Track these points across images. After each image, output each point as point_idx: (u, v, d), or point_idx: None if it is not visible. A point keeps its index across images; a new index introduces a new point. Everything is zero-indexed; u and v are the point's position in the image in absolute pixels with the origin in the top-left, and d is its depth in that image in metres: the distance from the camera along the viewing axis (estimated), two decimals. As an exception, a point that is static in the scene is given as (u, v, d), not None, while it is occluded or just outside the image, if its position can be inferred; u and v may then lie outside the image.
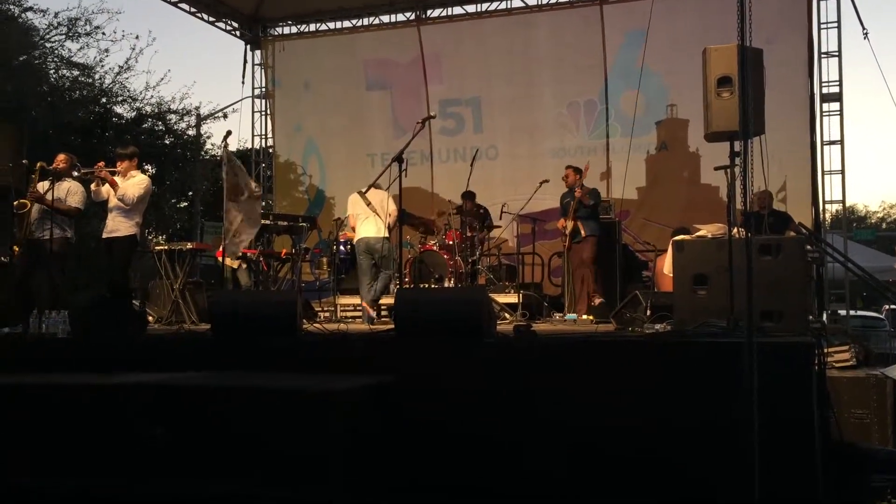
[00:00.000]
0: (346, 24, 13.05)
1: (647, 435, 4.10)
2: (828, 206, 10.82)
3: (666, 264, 7.22)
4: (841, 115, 10.48)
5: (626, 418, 4.14)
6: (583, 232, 8.38)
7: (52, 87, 16.60)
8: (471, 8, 12.34)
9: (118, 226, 7.12)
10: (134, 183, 7.19)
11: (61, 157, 7.20)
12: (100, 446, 4.17)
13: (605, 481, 4.11)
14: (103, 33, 16.82)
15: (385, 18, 12.83)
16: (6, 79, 13.97)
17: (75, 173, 7.21)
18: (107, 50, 18.59)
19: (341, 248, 9.59)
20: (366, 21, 12.93)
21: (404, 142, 7.12)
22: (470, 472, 4.24)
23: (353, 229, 8.41)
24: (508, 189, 10.93)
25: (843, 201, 10.64)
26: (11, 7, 15.87)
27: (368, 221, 8.14)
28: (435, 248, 9.13)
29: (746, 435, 3.55)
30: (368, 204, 8.09)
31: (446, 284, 8.69)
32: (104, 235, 7.24)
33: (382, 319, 8.08)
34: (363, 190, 8.14)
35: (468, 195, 9.59)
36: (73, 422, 4.25)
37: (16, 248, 7.11)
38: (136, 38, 18.16)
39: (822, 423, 4.34)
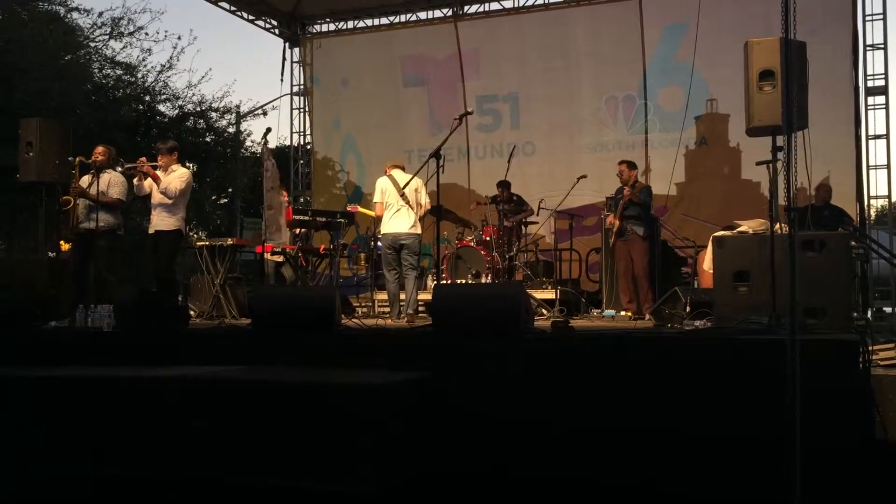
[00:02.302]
0: (384, 20, 13.12)
1: (686, 431, 4.07)
2: (873, 202, 10.63)
3: (706, 260, 7.14)
4: (887, 108, 10.32)
5: (662, 414, 4.11)
6: (627, 233, 8.12)
7: (97, 86, 16.91)
8: (508, 3, 12.31)
9: (163, 221, 7.24)
10: (176, 176, 7.31)
11: (100, 149, 7.33)
12: (141, 438, 4.25)
13: (640, 475, 4.09)
14: (146, 34, 17.08)
15: (422, 15, 12.86)
16: (52, 78, 14.26)
17: (119, 169, 7.34)
18: (149, 50, 18.85)
19: (379, 243, 9.66)
20: (403, 18, 12.98)
21: (441, 138, 7.13)
22: (509, 466, 4.25)
23: (378, 217, 7.91)
24: (546, 185, 10.90)
25: (889, 196, 10.44)
26: (58, 7, 16.21)
27: (401, 214, 7.62)
28: (472, 243, 9.14)
29: (789, 433, 3.50)
30: (402, 195, 7.60)
31: (483, 280, 8.69)
32: (150, 231, 7.37)
33: (420, 315, 8.11)
34: (402, 185, 7.59)
35: (503, 184, 9.59)
36: (116, 413, 4.34)
37: (62, 244, 7.26)
38: (179, 38, 18.35)
39: (867, 422, 4.27)
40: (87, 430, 4.33)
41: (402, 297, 7.76)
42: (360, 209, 9.78)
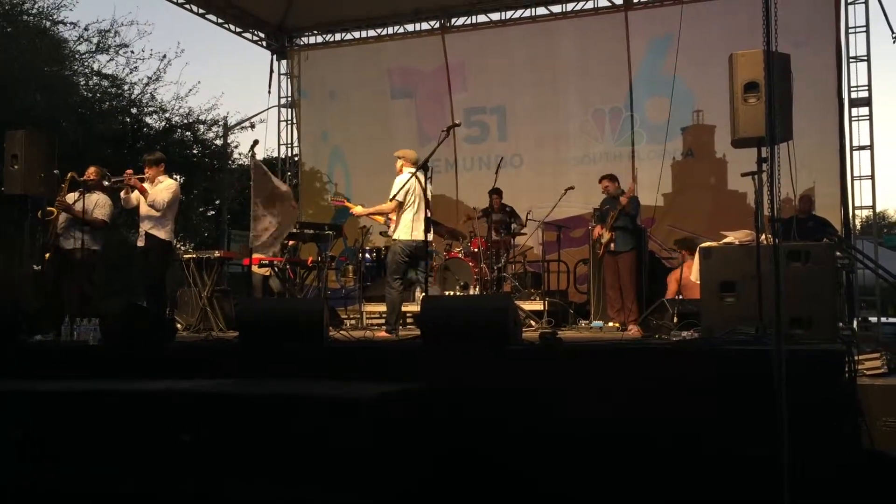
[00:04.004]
0: (371, 33, 13.15)
1: (674, 440, 4.07)
2: (858, 212, 10.66)
3: (693, 272, 7.17)
4: (870, 119, 10.37)
5: (652, 424, 4.12)
6: (613, 245, 8.09)
7: (83, 98, 16.86)
8: (495, 16, 12.36)
9: (152, 234, 7.22)
10: (163, 188, 7.29)
11: (92, 169, 7.35)
12: (128, 452, 4.22)
13: (630, 485, 4.09)
14: (132, 51, 17.07)
15: (410, 27, 12.89)
16: (38, 91, 14.21)
17: (105, 183, 7.32)
18: (136, 66, 18.67)
19: (367, 255, 9.64)
20: (390, 30, 13.01)
21: (429, 150, 7.13)
22: (499, 476, 4.24)
23: (386, 217, 7.25)
24: (533, 197, 10.90)
25: (874, 207, 10.51)
26: (44, 21, 16.15)
27: (422, 219, 6.83)
28: (460, 255, 9.14)
29: (776, 443, 3.51)
30: (427, 200, 6.80)
31: (472, 292, 8.69)
32: (139, 244, 7.34)
33: (408, 327, 8.10)
34: (424, 178, 6.79)
35: (496, 191, 9.61)
36: (103, 428, 4.30)
37: (47, 256, 7.22)
38: (164, 57, 18.15)
39: (853, 432, 4.29)
40: (73, 445, 4.30)
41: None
42: (348, 203, 8.60)
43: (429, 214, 7.08)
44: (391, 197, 7.00)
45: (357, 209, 7.72)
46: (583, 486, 4.16)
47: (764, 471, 3.68)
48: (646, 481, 4.08)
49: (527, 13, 12.16)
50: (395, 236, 7.04)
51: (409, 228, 6.93)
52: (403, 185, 6.95)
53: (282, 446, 3.95)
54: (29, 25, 15.60)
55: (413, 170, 7.06)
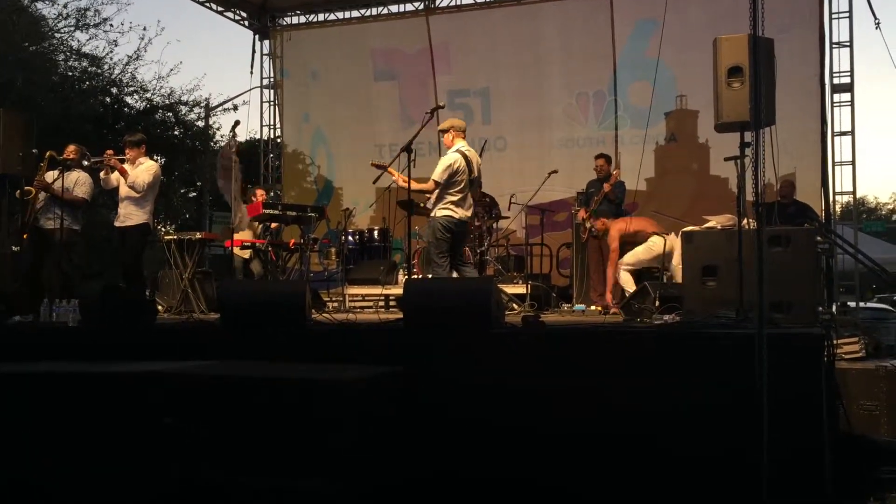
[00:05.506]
0: (355, 13, 13.04)
1: (654, 426, 4.10)
2: (838, 198, 10.74)
3: (675, 256, 7.21)
4: (852, 105, 10.42)
5: (633, 409, 4.14)
6: (597, 227, 8.19)
7: (62, 77, 16.64)
8: (479, -2, 12.31)
9: (130, 215, 7.19)
10: (143, 169, 7.24)
11: (71, 147, 7.26)
12: (109, 435, 4.19)
13: (611, 471, 4.12)
14: (111, 25, 16.84)
15: (394, 8, 12.81)
16: (16, 69, 14.00)
17: (85, 163, 7.25)
18: (115, 41, 18.47)
19: (350, 238, 9.61)
20: (374, 11, 12.91)
21: (412, 132, 7.08)
22: (482, 460, 4.25)
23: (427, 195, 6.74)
24: (517, 180, 10.90)
25: (854, 192, 10.59)
26: (21, -2, 15.91)
27: (470, 197, 6.66)
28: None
29: (755, 427, 3.54)
30: (472, 179, 6.63)
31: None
32: (116, 224, 7.30)
33: (391, 310, 8.08)
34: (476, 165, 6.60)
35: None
36: (83, 410, 4.27)
37: (25, 236, 7.16)
38: (144, 29, 17.98)
39: (831, 415, 4.33)
40: (52, 427, 4.26)
41: None
42: (391, 170, 7.20)
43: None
44: (433, 176, 6.60)
45: (400, 179, 7.02)
46: (568, 475, 4.18)
47: (741, 452, 3.71)
48: (624, 467, 4.11)
49: (511, -5, 12.11)
50: (433, 213, 6.71)
51: (459, 207, 6.63)
52: (450, 166, 6.56)
53: (260, 430, 3.94)
54: (6, 1, 15.33)
55: (464, 144, 6.76)
